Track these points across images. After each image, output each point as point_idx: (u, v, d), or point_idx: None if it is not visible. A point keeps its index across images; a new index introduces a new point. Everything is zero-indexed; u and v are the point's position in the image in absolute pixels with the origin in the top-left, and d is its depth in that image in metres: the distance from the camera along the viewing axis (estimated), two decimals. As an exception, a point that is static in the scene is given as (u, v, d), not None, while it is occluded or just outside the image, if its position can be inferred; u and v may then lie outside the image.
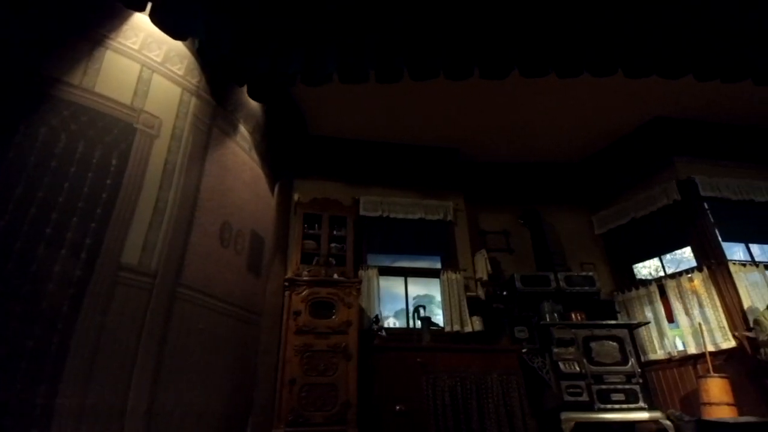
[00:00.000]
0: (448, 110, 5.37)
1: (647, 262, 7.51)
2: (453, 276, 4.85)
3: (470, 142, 5.90)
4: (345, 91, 4.59)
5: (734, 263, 4.33)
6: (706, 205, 4.68)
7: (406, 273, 5.15)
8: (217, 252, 3.72)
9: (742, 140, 5.31)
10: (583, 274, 4.86)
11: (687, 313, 4.42)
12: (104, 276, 2.85)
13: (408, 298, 4.98)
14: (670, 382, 4.49)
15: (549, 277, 4.81)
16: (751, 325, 3.82)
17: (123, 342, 2.85)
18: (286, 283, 3.84)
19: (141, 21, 3.48)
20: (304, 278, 3.93)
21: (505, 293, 4.98)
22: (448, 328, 4.58)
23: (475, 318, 4.63)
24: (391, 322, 6.81)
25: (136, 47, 3.52)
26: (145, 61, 3.54)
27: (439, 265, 5.15)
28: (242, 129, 4.38)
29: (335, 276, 4.19)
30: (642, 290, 4.91)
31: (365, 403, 3.52)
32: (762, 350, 3.50)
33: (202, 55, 3.70)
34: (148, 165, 3.32)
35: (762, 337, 3.51)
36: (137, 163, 3.25)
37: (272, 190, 4.96)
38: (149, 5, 3.36)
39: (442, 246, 5.19)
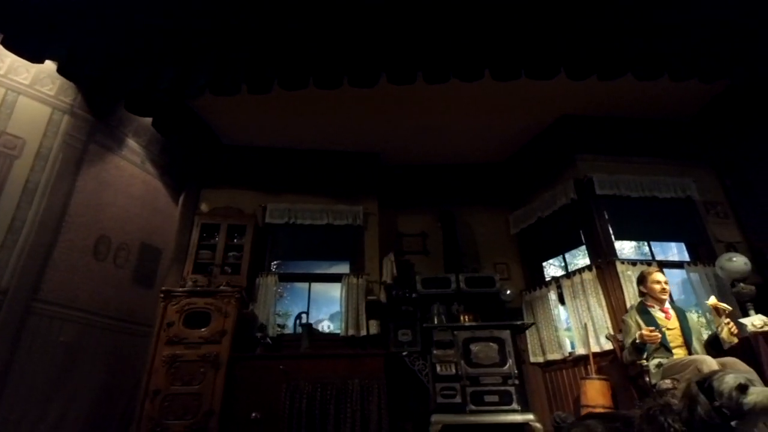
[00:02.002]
0: (367, 115, 5.36)
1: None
2: (354, 280, 4.88)
3: (390, 146, 5.89)
4: (262, 101, 4.59)
5: (622, 262, 4.28)
6: (601, 204, 4.61)
7: (310, 279, 5.19)
8: (89, 266, 3.81)
9: (651, 135, 5.23)
10: (483, 274, 4.85)
11: (577, 312, 4.38)
12: (-57, 295, 2.96)
13: (310, 304, 5.02)
14: (565, 383, 4.47)
15: (450, 279, 4.80)
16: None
17: (-38, 357, 2.96)
18: (162, 295, 3.91)
19: (7, 47, 3.56)
20: (179, 289, 4.01)
21: (414, 295, 4.99)
22: (344, 333, 4.62)
23: (373, 321, 4.66)
24: (325, 326, 6.90)
25: (1, 72, 3.63)
26: (10, 85, 3.65)
27: (348, 270, 5.18)
28: (131, 143, 4.47)
29: (223, 285, 4.26)
30: (544, 290, 4.89)
31: (232, 412, 3.58)
32: (625, 352, 3.45)
33: (64, 75, 3.78)
34: (6, 186, 3.43)
35: (625, 339, 3.46)
36: (-8, 184, 3.35)
37: (177, 201, 5.05)
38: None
39: (350, 251, 5.22)
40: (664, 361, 3.14)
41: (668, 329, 3.33)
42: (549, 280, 4.96)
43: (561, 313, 4.71)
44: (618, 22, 3.92)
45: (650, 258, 4.59)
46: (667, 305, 3.46)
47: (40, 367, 3.31)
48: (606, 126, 5.21)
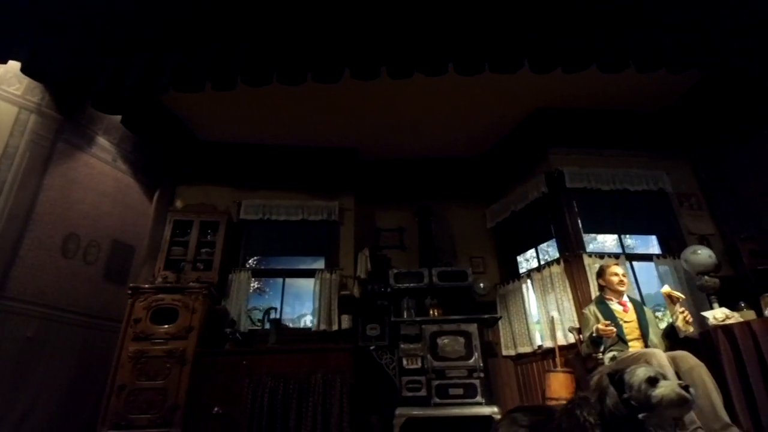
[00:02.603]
0: (346, 110, 5.34)
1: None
2: (328, 276, 4.91)
3: (369, 141, 5.89)
4: (238, 97, 4.61)
5: (590, 255, 4.28)
6: (571, 197, 4.61)
7: (283, 274, 5.23)
8: (57, 263, 3.86)
9: (626, 127, 5.21)
10: (456, 269, 4.86)
11: (545, 305, 4.40)
12: None
13: (283, 299, 5.06)
14: (535, 375, 4.49)
15: (423, 273, 4.82)
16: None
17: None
18: (130, 291, 3.96)
19: (-29, 48, 3.59)
20: (146, 285, 4.05)
21: (389, 290, 5.01)
22: (316, 328, 4.66)
23: (345, 316, 4.69)
24: (308, 320, 6.95)
25: (-34, 73, 3.66)
26: (-25, 86, 3.68)
27: (323, 265, 5.21)
28: (102, 141, 4.50)
29: (193, 281, 4.30)
30: (518, 283, 4.90)
31: (197, 406, 3.63)
32: (583, 345, 3.46)
33: (28, 75, 3.79)
34: (-31, 185, 3.47)
35: (584, 332, 3.47)
36: (-45, 184, 3.39)
37: (151, 198, 5.08)
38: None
39: (325, 246, 5.25)
40: (618, 354, 3.15)
41: (625, 322, 3.34)
42: (522, 274, 4.97)
43: (532, 306, 4.73)
44: (580, 14, 3.89)
45: (630, 251, 4.57)
46: (625, 298, 3.47)
47: (5, 363, 3.37)
48: (581, 119, 5.18)
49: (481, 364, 3.98)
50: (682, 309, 3.14)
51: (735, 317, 3.61)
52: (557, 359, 4.04)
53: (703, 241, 4.71)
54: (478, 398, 3.85)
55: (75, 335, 3.90)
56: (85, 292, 4.05)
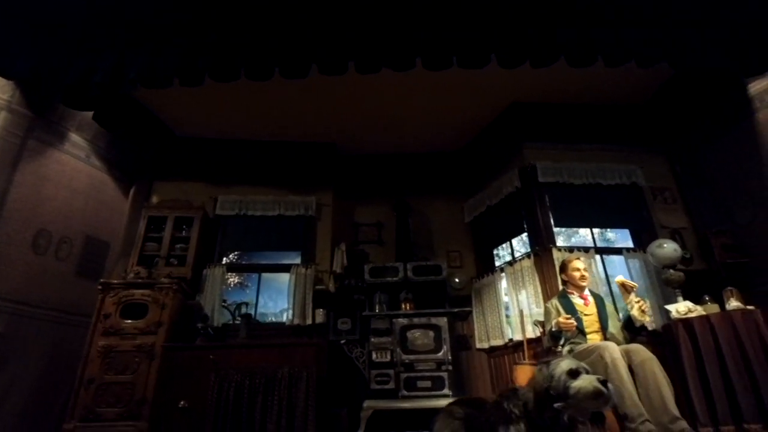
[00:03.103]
0: (323, 105, 5.32)
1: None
2: (303, 270, 4.94)
3: (347, 136, 5.87)
4: (215, 93, 4.60)
5: (559, 249, 4.30)
6: (543, 192, 4.62)
7: (259, 269, 5.26)
8: (27, 259, 3.89)
9: (602, 121, 5.20)
10: (431, 263, 4.89)
11: (516, 299, 4.43)
12: None
13: (259, 293, 5.10)
14: (507, 368, 4.53)
15: (398, 268, 4.85)
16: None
17: None
18: (100, 287, 3.99)
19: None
20: (116, 281, 4.09)
21: (365, 285, 5.04)
22: (290, 322, 4.70)
23: (319, 311, 4.73)
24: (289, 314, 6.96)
25: (-66, 71, 3.66)
26: (-58, 83, 3.68)
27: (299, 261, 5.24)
28: (74, 137, 4.51)
29: (165, 277, 4.33)
30: (492, 277, 4.93)
31: (165, 400, 3.67)
32: (545, 338, 3.50)
33: (-3, 73, 3.80)
34: (-64, 183, 3.48)
35: (546, 325, 3.51)
36: None
37: (127, 194, 5.10)
38: None
39: (301, 241, 5.28)
40: (575, 347, 3.18)
41: (585, 315, 3.37)
42: (497, 268, 5.00)
43: (505, 299, 4.76)
44: (547, 9, 3.88)
45: (604, 245, 4.59)
46: (587, 292, 3.49)
47: (-27, 359, 3.41)
48: (556, 113, 5.17)
49: (450, 357, 4.02)
50: (638, 298, 3.17)
51: (698, 311, 3.64)
52: (525, 352, 4.08)
53: (675, 234, 4.73)
54: (446, 390, 3.89)
55: (46, 331, 3.93)
56: (56, 288, 4.08)
